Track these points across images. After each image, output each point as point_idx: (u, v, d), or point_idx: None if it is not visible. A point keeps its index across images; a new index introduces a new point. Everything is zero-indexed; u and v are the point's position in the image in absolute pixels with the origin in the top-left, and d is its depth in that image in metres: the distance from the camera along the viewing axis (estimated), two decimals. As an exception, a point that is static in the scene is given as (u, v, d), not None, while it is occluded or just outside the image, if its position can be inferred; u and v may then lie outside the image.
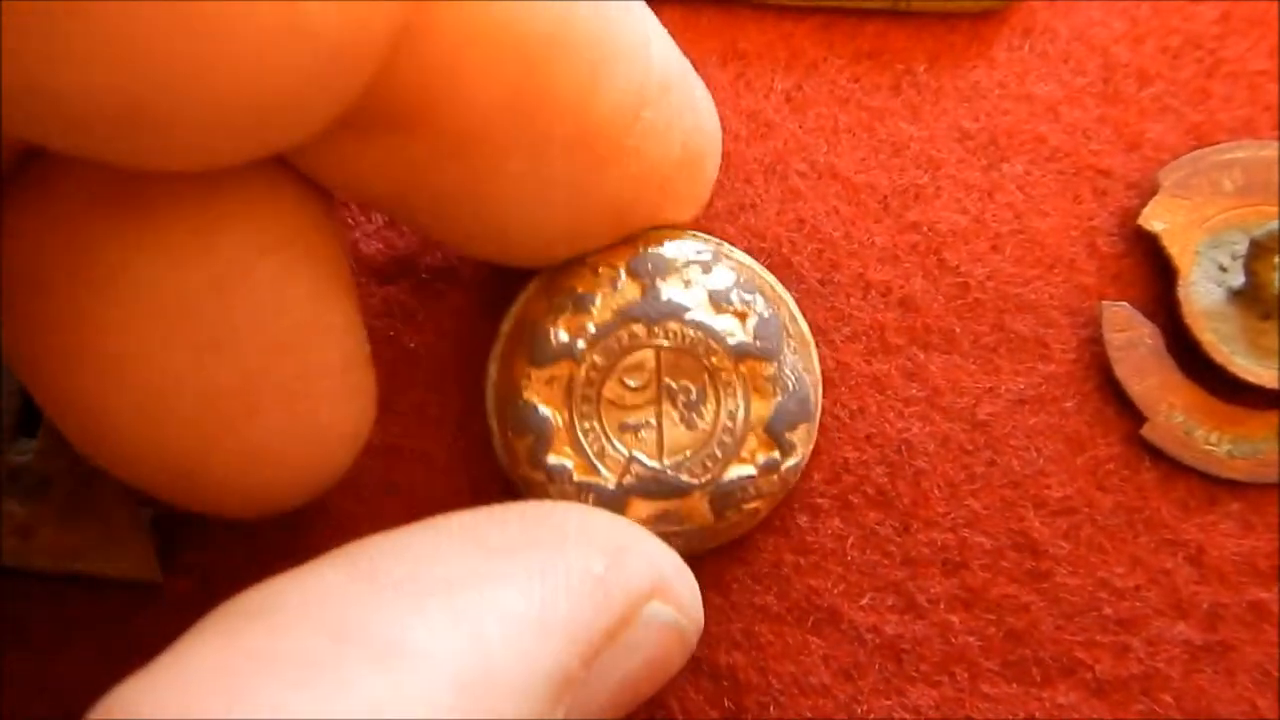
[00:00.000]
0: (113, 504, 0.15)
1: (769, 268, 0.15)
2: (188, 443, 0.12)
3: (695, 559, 0.13)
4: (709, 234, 0.15)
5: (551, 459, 0.14)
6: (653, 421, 0.14)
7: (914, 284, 0.15)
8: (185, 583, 0.15)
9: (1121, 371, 0.15)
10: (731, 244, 0.15)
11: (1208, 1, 0.16)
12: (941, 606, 0.15)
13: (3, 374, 0.15)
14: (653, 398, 0.14)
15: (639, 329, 0.14)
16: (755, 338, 0.14)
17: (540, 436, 0.14)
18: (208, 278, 0.11)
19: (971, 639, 0.15)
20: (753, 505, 0.14)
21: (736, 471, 0.14)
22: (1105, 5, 0.16)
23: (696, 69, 0.14)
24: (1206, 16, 0.16)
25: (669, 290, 0.14)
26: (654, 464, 0.14)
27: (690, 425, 0.14)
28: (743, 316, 0.14)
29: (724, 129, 0.15)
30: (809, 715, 0.15)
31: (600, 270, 0.14)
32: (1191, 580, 0.15)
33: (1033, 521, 0.15)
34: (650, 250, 0.14)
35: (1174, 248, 0.15)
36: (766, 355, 0.14)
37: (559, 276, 0.14)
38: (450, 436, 0.15)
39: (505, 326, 0.15)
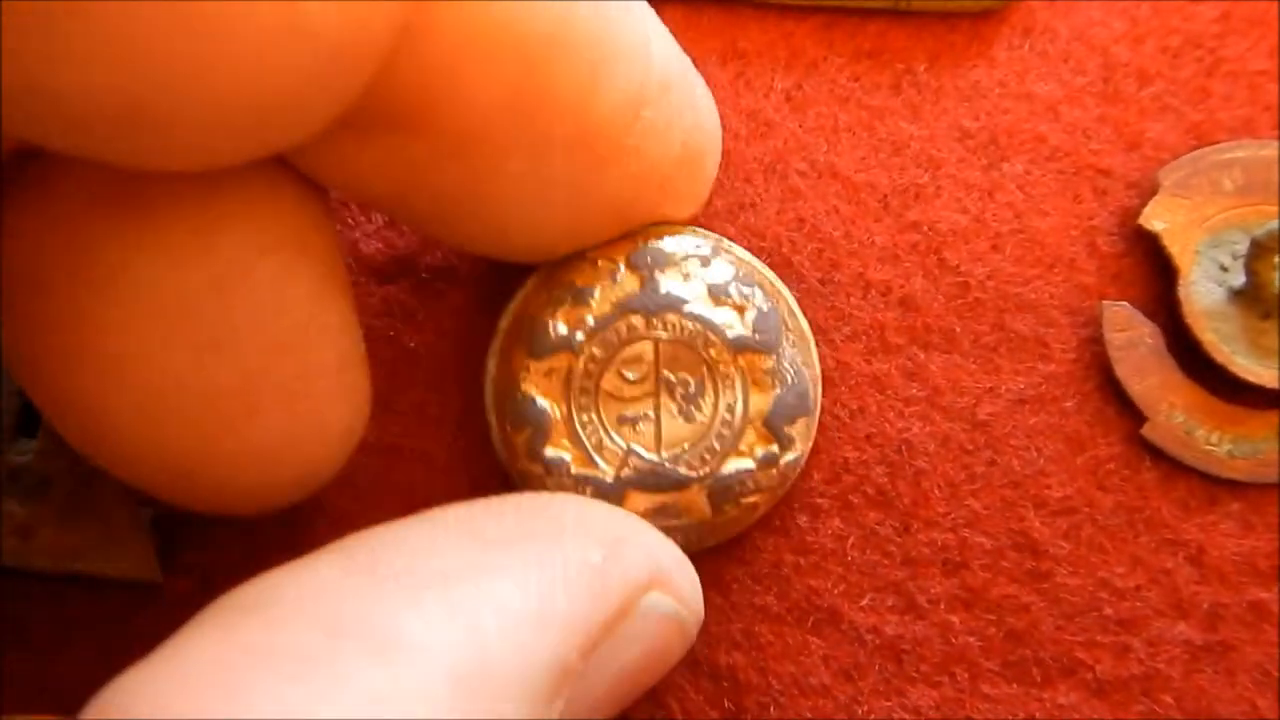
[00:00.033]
0: (113, 504, 0.15)
1: (769, 267, 0.15)
2: (185, 442, 0.12)
3: (694, 557, 0.13)
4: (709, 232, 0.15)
5: (549, 451, 0.14)
6: (651, 414, 0.14)
7: (914, 283, 0.15)
8: (185, 582, 0.15)
9: (1122, 371, 0.15)
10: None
11: (1208, 1, 0.16)
12: (942, 607, 0.15)
13: (3, 374, 0.15)
14: (651, 390, 0.14)
15: (637, 321, 0.14)
16: (754, 331, 0.14)
17: (538, 429, 0.14)
18: (207, 278, 0.11)
19: (972, 639, 0.15)
20: (751, 500, 0.14)
21: (735, 465, 0.14)
22: (1105, 5, 0.16)
23: (697, 68, 0.14)
24: (1206, 16, 0.16)
25: (668, 283, 0.14)
26: (652, 457, 0.14)
27: (688, 418, 0.14)
28: (741, 310, 0.14)
29: (724, 128, 0.15)
30: (809, 716, 0.15)
31: (599, 264, 0.14)
32: (1192, 580, 0.15)
33: (1033, 521, 0.15)
34: (649, 244, 0.14)
35: (1174, 247, 0.15)
36: (765, 348, 0.14)
37: (558, 271, 0.14)
38: (450, 436, 0.15)
39: (504, 322, 0.15)
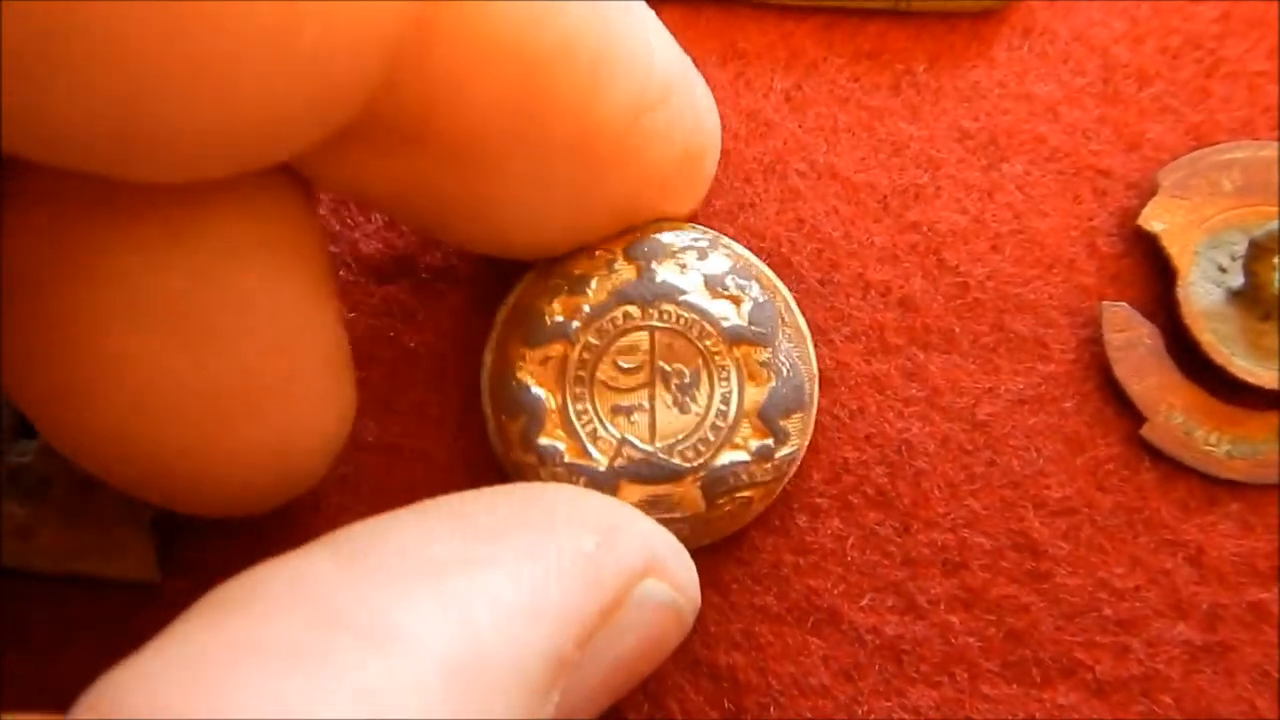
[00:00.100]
0: (112, 505, 0.15)
1: (769, 267, 0.15)
2: (168, 443, 0.12)
3: (693, 556, 0.13)
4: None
5: (543, 441, 0.14)
6: (645, 404, 0.14)
7: (913, 284, 0.15)
8: (184, 582, 0.15)
9: (1121, 372, 0.15)
10: None
11: (1207, 2, 0.16)
12: (941, 607, 0.15)
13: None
14: (646, 380, 0.14)
15: (634, 310, 0.14)
16: (750, 322, 0.14)
17: (533, 417, 0.14)
18: (189, 279, 0.11)
19: (971, 640, 0.15)
20: (746, 494, 0.14)
21: (729, 457, 0.14)
22: (1105, 5, 0.16)
23: (696, 68, 0.14)
24: (1206, 17, 0.16)
25: (664, 273, 0.14)
26: (646, 447, 0.14)
27: (683, 409, 0.14)
28: (737, 301, 0.14)
29: (723, 128, 0.15)
30: (809, 716, 0.15)
31: (597, 254, 0.14)
32: (1191, 581, 0.15)
33: (1032, 522, 0.15)
34: (648, 236, 0.14)
35: (1173, 248, 0.15)
36: (761, 340, 0.14)
37: (556, 262, 0.14)
38: (450, 436, 0.15)
39: (501, 315, 0.15)
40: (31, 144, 0.09)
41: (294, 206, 0.12)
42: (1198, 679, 0.14)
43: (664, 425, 0.14)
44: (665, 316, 0.14)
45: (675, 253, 0.14)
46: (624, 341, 0.14)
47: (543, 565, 0.11)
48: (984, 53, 0.16)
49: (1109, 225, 0.16)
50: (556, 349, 0.14)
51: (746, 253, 0.15)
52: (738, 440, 0.14)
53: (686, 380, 0.14)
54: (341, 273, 0.16)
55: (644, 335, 0.14)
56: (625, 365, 0.14)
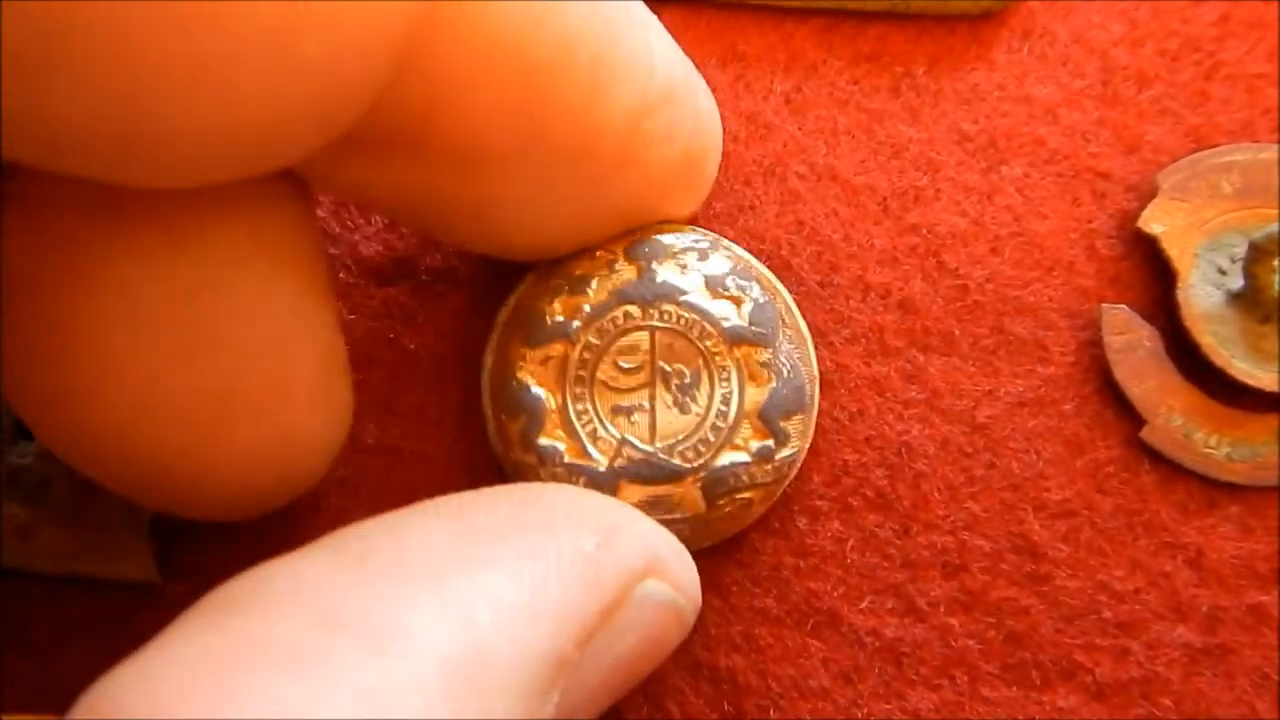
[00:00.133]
0: (112, 506, 0.15)
1: (768, 269, 0.15)
2: (163, 447, 0.12)
3: (693, 558, 0.13)
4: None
5: (543, 441, 0.14)
6: (646, 404, 0.14)
7: (913, 286, 0.15)
8: (185, 585, 0.15)
9: (1121, 374, 0.15)
10: None
11: (1207, 4, 0.16)
12: (941, 609, 0.15)
13: (3, 376, 0.15)
14: (646, 380, 0.14)
15: (634, 310, 0.14)
16: (750, 323, 0.14)
17: (533, 417, 0.14)
18: (185, 284, 0.11)
19: (971, 642, 0.15)
20: (746, 495, 0.14)
21: (729, 458, 0.14)
22: (1104, 7, 0.16)
23: (696, 70, 0.14)
24: (1205, 19, 0.16)
25: (665, 273, 0.14)
26: (646, 447, 0.14)
27: (683, 409, 0.14)
28: (738, 301, 0.14)
29: (723, 131, 0.15)
30: (809, 718, 0.15)
31: (598, 254, 0.14)
32: (1191, 583, 0.15)
33: (1032, 524, 0.15)
34: (648, 237, 0.14)
35: (1173, 250, 0.15)
36: (761, 341, 0.14)
37: (557, 263, 0.14)
38: (450, 437, 0.16)
39: (502, 316, 0.15)
40: (32, 148, 0.09)
41: (291, 209, 0.12)
42: (1197, 681, 0.14)
43: (664, 426, 0.14)
44: (666, 317, 0.14)
45: (676, 253, 0.14)
46: (624, 341, 0.14)
47: (543, 565, 0.11)
48: (983, 55, 0.16)
49: (1109, 227, 0.16)
50: (557, 349, 0.14)
51: (747, 255, 0.15)
52: (738, 441, 0.14)
53: (687, 380, 0.14)
54: (341, 275, 0.16)
55: (644, 335, 0.14)
56: (626, 365, 0.14)
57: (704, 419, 0.14)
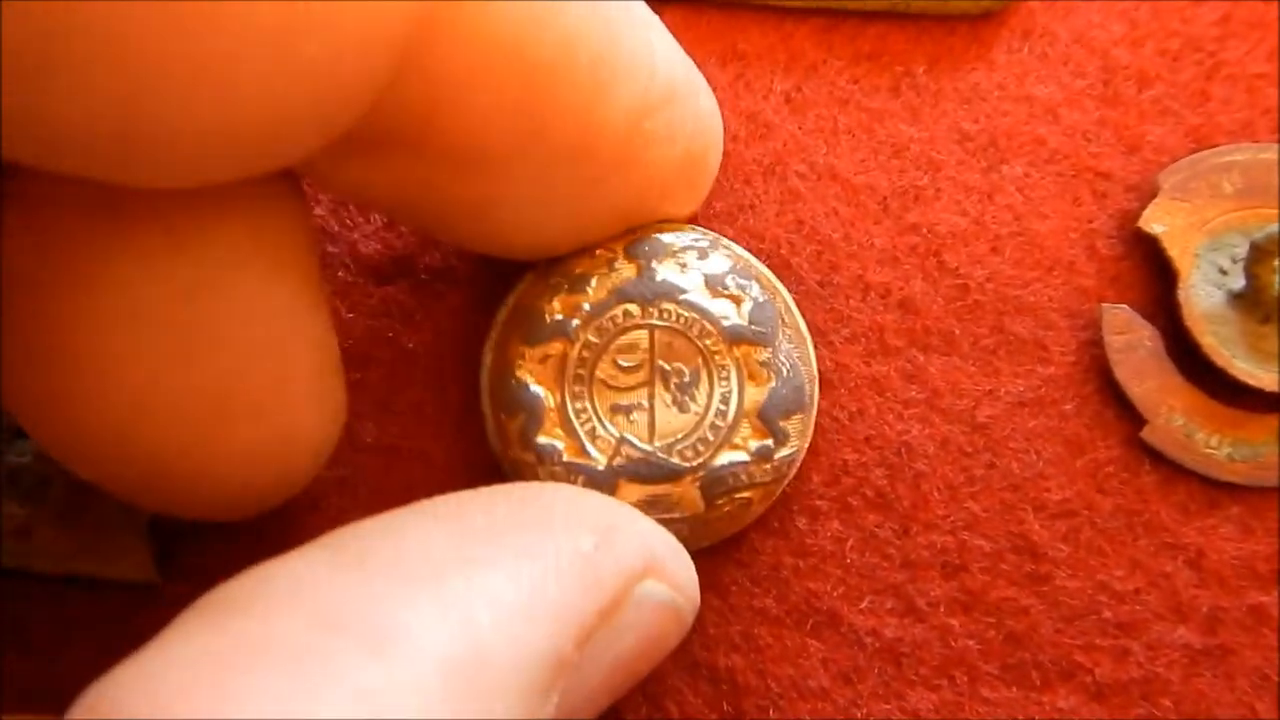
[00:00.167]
0: (110, 506, 0.15)
1: (768, 268, 0.15)
2: (157, 448, 0.12)
3: (692, 558, 0.13)
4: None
5: (541, 439, 0.14)
6: (645, 403, 0.14)
7: (913, 286, 0.15)
8: (184, 585, 0.15)
9: (1121, 374, 0.15)
10: None
11: (1208, 4, 0.16)
12: (941, 609, 0.15)
13: (2, 375, 0.15)
14: (645, 379, 0.14)
15: (634, 308, 0.14)
16: (750, 322, 0.14)
17: (532, 416, 0.14)
18: (182, 284, 0.11)
19: (971, 642, 0.15)
20: (745, 495, 0.14)
21: (728, 457, 0.14)
22: (1105, 7, 0.16)
23: (697, 70, 0.14)
24: (1206, 19, 0.16)
25: (665, 272, 0.14)
26: (645, 446, 0.14)
27: (683, 408, 0.14)
28: (738, 301, 0.14)
29: (723, 129, 0.15)
30: (808, 718, 0.15)
31: (597, 253, 0.14)
32: (1191, 584, 0.15)
33: (1032, 524, 0.15)
34: (648, 236, 0.14)
35: (1174, 250, 0.15)
36: (761, 340, 0.14)
37: (556, 261, 0.14)
38: (449, 436, 0.15)
39: (501, 314, 0.15)
40: (32, 148, 0.09)
41: (288, 209, 0.12)
42: (1197, 682, 0.14)
43: (663, 424, 0.14)
44: (665, 315, 0.14)
45: (676, 252, 0.14)
46: (624, 340, 0.14)
47: (542, 566, 0.11)
48: (984, 55, 0.16)
49: (1109, 227, 0.16)
50: (556, 347, 0.14)
51: (746, 254, 0.15)
52: (737, 440, 0.14)
53: (686, 379, 0.14)
54: (340, 273, 0.16)
55: (644, 334, 0.14)
56: (625, 364, 0.14)
57: (703, 418, 0.14)
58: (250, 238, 0.12)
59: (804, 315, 0.15)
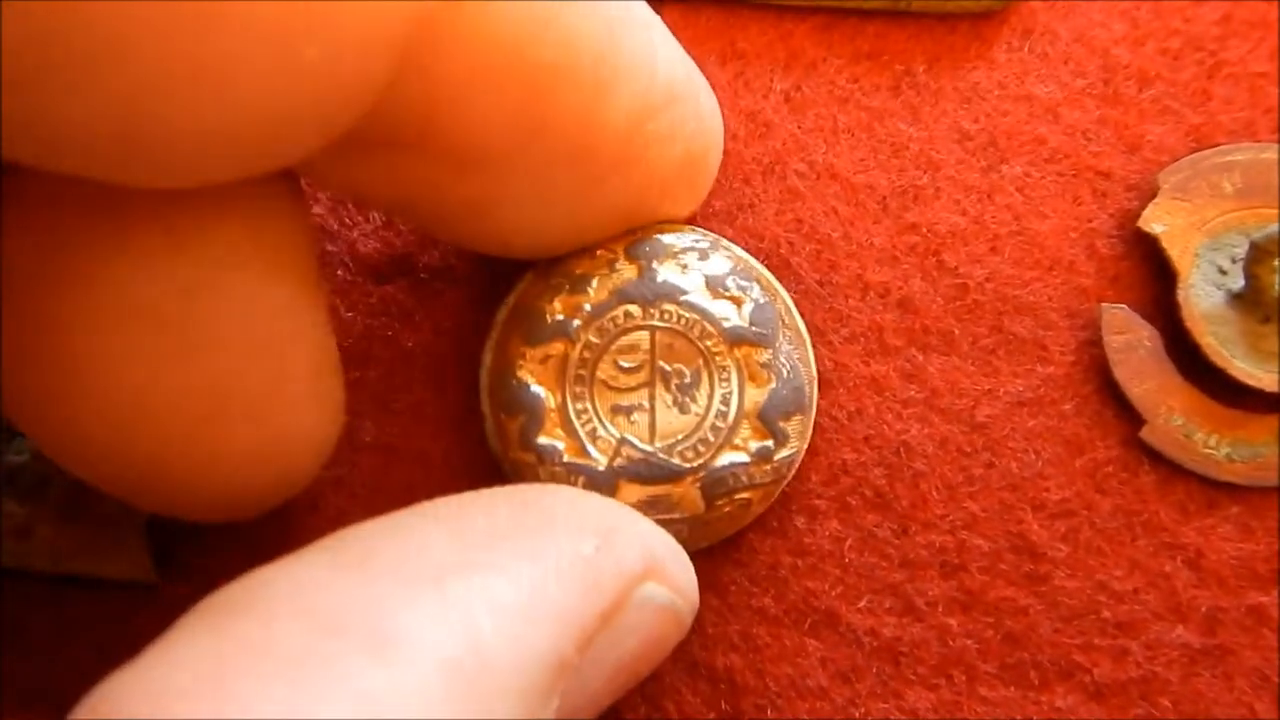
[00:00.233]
0: (109, 505, 0.15)
1: (767, 268, 0.15)
2: (153, 448, 0.12)
3: (691, 557, 0.13)
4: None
5: (542, 439, 0.14)
6: (645, 404, 0.14)
7: (913, 285, 0.15)
8: (184, 585, 0.15)
9: (1121, 374, 0.15)
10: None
11: (1208, 3, 0.16)
12: (939, 609, 0.15)
13: None
14: (646, 380, 0.14)
15: (635, 309, 0.14)
16: (751, 323, 0.14)
17: (532, 416, 0.14)
18: (179, 284, 0.11)
19: (969, 642, 0.15)
20: (744, 495, 0.14)
21: (728, 458, 0.14)
22: (1105, 6, 0.16)
23: (698, 69, 0.14)
24: (1207, 18, 0.16)
25: (665, 273, 0.14)
26: (646, 447, 0.14)
27: (683, 409, 0.14)
28: (738, 302, 0.14)
29: (723, 128, 0.15)
30: (806, 718, 0.15)
31: (598, 253, 0.14)
32: (1190, 584, 0.15)
33: (1031, 524, 0.15)
34: (649, 237, 0.14)
35: (1173, 250, 0.15)
36: (762, 341, 0.14)
37: (557, 262, 0.14)
38: (448, 436, 0.15)
39: (501, 314, 0.15)
40: (32, 148, 0.09)
41: (286, 209, 0.12)
42: (1196, 682, 0.14)
43: (664, 425, 0.14)
44: (666, 316, 0.14)
45: (676, 253, 0.14)
46: (625, 341, 0.14)
47: (542, 568, 0.11)
48: (984, 54, 0.16)
49: (1109, 227, 0.16)
50: (557, 347, 0.14)
51: (746, 255, 0.15)
52: (737, 441, 0.14)
53: (687, 380, 0.14)
54: (339, 273, 0.16)
55: (645, 335, 0.14)
56: (625, 365, 0.14)
57: (703, 419, 0.14)
58: (249, 237, 0.12)
59: (803, 315, 0.15)
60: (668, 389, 0.14)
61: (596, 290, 0.14)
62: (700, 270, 0.14)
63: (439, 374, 0.16)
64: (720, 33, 0.16)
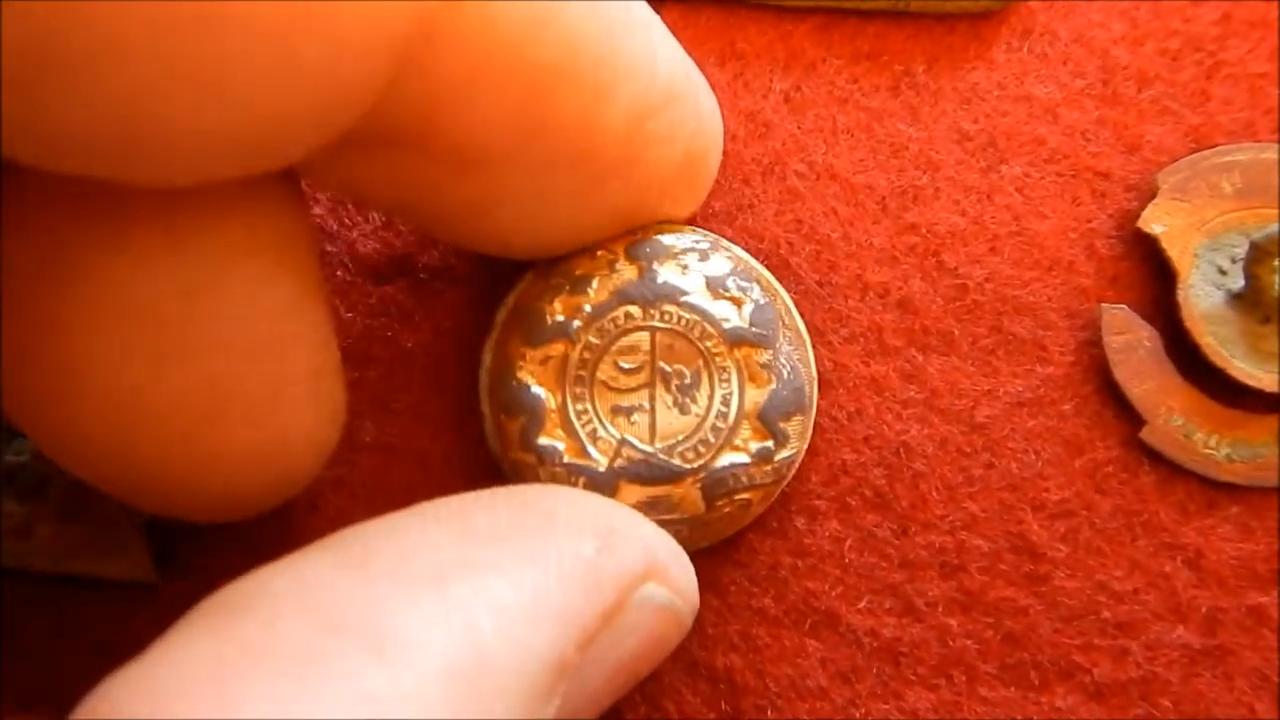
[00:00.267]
0: (109, 504, 0.15)
1: (767, 268, 0.15)
2: (151, 448, 0.12)
3: (691, 558, 0.13)
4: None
5: (542, 440, 0.14)
6: (646, 405, 0.14)
7: (912, 285, 0.15)
8: (184, 585, 0.15)
9: (1120, 374, 0.15)
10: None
11: (1208, 3, 0.16)
12: (939, 609, 0.15)
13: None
14: (646, 380, 0.14)
15: (635, 310, 0.14)
16: (751, 324, 0.14)
17: (533, 417, 0.14)
18: (178, 284, 0.11)
19: (969, 642, 0.15)
20: (745, 496, 0.14)
21: (729, 459, 0.14)
22: (1105, 7, 0.16)
23: (697, 69, 0.14)
24: (1206, 18, 0.16)
25: (666, 273, 0.14)
26: (646, 448, 0.14)
27: (683, 410, 0.14)
28: (739, 303, 0.14)
29: (722, 129, 0.15)
30: (806, 718, 0.15)
31: (598, 254, 0.14)
32: (1190, 584, 0.15)
33: (1031, 524, 0.15)
34: (649, 237, 0.14)
35: (1173, 250, 0.15)
36: (762, 342, 0.14)
37: (557, 262, 0.14)
38: (447, 436, 0.15)
39: (501, 315, 0.15)
40: (32, 147, 0.09)
41: (285, 209, 0.12)
42: (1196, 682, 0.14)
43: (664, 426, 0.14)
44: (667, 317, 0.14)
45: (677, 254, 0.14)
46: (625, 341, 0.14)
47: (543, 569, 0.11)
48: (983, 54, 0.16)
49: (1108, 227, 0.16)
50: (557, 348, 0.14)
51: (747, 255, 0.15)
52: (738, 442, 0.14)
53: (687, 381, 0.14)
54: (339, 273, 0.16)
55: (645, 335, 0.14)
56: (626, 365, 0.14)
57: (704, 420, 0.14)
58: (249, 237, 0.12)
59: (803, 315, 0.15)
60: (668, 390, 0.14)
61: (597, 291, 0.14)
62: (701, 271, 0.14)
63: (439, 374, 0.16)
64: (720, 33, 0.16)
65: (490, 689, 0.10)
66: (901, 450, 0.15)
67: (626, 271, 0.14)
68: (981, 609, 0.15)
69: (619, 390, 0.14)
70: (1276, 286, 0.14)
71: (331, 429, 0.13)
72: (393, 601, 0.10)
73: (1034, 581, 0.15)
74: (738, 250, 0.15)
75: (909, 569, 0.15)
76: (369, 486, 0.15)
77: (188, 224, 0.11)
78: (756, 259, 0.15)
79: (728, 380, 0.14)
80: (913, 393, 0.15)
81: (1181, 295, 0.15)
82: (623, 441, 0.14)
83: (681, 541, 0.13)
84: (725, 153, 0.16)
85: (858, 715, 0.15)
